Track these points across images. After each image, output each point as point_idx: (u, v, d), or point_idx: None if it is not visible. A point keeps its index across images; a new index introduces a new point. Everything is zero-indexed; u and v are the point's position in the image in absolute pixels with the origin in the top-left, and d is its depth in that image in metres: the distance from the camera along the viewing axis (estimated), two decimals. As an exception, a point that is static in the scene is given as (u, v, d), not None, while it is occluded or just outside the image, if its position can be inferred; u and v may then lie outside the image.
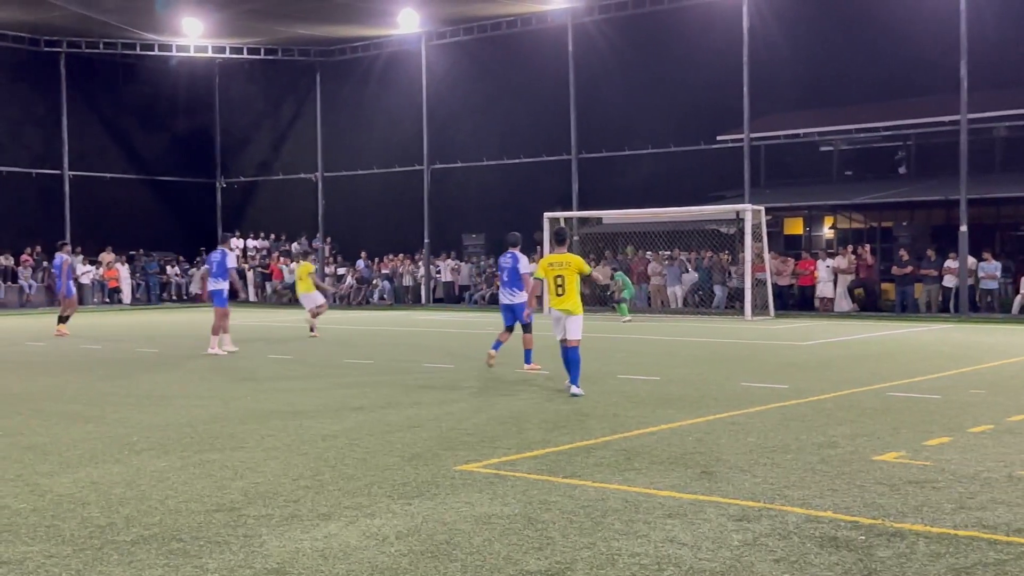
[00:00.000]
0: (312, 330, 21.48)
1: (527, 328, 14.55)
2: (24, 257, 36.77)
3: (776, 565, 5.28)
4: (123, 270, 38.87)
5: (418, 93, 36.88)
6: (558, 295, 12.06)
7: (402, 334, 22.13)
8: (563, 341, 12.05)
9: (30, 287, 36.32)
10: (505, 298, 14.88)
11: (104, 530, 6.02)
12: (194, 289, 40.85)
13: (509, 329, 14.92)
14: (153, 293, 39.51)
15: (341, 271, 38.41)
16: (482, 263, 36.25)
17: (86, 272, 37.65)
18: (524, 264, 14.92)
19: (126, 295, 38.57)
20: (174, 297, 40.33)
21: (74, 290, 23.45)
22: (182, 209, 42.41)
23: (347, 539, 5.81)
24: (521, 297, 14.63)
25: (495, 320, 27.29)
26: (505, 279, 14.84)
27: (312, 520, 6.24)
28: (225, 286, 18.10)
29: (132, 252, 39.90)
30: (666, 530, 5.95)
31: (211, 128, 42.51)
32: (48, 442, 9.01)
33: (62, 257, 22.81)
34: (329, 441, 8.94)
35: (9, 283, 35.95)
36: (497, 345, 14.83)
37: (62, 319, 22.47)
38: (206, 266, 19.09)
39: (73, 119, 37.93)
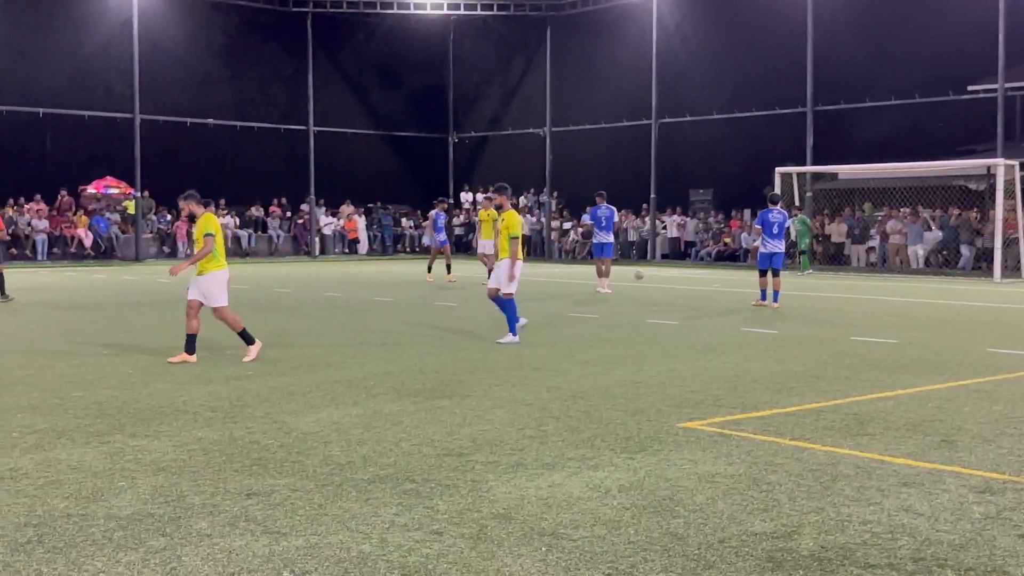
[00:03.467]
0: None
1: (777, 272, 17.47)
2: (273, 208, 39.13)
3: (1021, 541, 4.96)
4: (361, 222, 40.76)
5: (648, 46, 36.43)
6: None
7: (626, 289, 22.10)
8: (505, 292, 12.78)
9: (278, 237, 38.67)
10: (774, 247, 17.53)
11: (344, 468, 6.36)
12: (426, 241, 42.32)
13: (763, 273, 17.62)
14: (388, 244, 41.20)
15: (567, 226, 38.73)
16: (710, 219, 35.63)
17: (328, 224, 39.71)
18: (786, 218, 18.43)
19: (363, 246, 40.46)
20: (407, 248, 41.91)
21: (447, 240, 25.58)
22: (416, 163, 43.81)
23: (570, 489, 5.89)
24: (783, 247, 17.85)
25: (722, 276, 26.87)
26: (776, 232, 17.58)
27: (536, 469, 6.36)
28: (611, 238, 21.98)
29: (369, 205, 41.69)
30: (901, 499, 5.70)
31: (445, 84, 43.57)
32: (293, 383, 9.59)
33: (440, 214, 25.36)
34: (553, 393, 9.07)
35: (259, 233, 38.35)
36: (764, 295, 17.59)
37: (431, 268, 24.35)
38: (590, 220, 22.01)
39: (318, 77, 39.79)
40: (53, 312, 16.88)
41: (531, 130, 41.01)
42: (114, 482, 5.98)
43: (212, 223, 11.10)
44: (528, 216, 39.80)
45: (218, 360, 11.06)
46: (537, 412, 8.19)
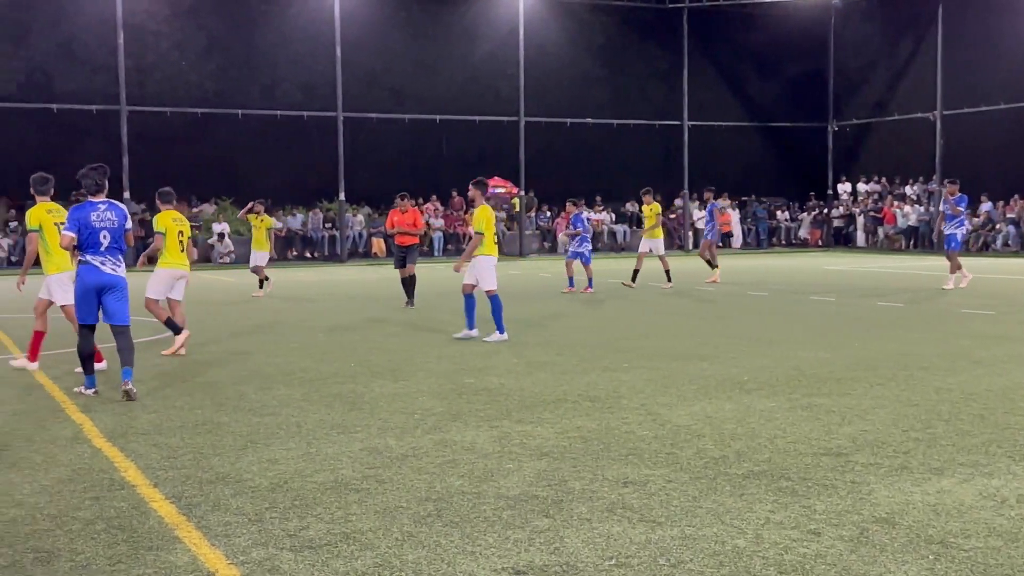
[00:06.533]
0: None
1: None
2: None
3: None
4: (734, 215, 40.36)
5: (1056, 15, 33.05)
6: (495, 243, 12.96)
7: (1029, 284, 20.23)
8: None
9: (653, 231, 39.19)
10: None
11: (717, 462, 6.38)
12: (803, 234, 41.13)
13: None
14: (762, 238, 40.49)
15: (960, 215, 36.06)
16: None
17: (701, 218, 39.71)
18: None
19: (737, 239, 40.05)
20: (783, 242, 40.94)
21: (710, 236, 23.82)
22: (791, 154, 42.64)
23: (961, 497, 5.53)
24: None
25: None
26: None
27: (923, 473, 6.02)
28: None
29: (744, 198, 41.17)
30: None
31: (824, 71, 42.04)
32: (666, 376, 9.72)
33: (715, 204, 24.08)
34: (943, 394, 8.53)
35: (634, 228, 39.07)
36: None
37: (713, 265, 22.69)
38: (964, 208, 20.17)
39: (693, 71, 39.92)
40: (444, 303, 18.20)
41: (919, 114, 38.57)
42: (502, 464, 6.39)
43: (161, 222, 11.75)
44: (916, 207, 37.50)
45: (594, 352, 11.45)
46: (924, 413, 7.74)
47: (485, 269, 12.55)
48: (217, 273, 28.42)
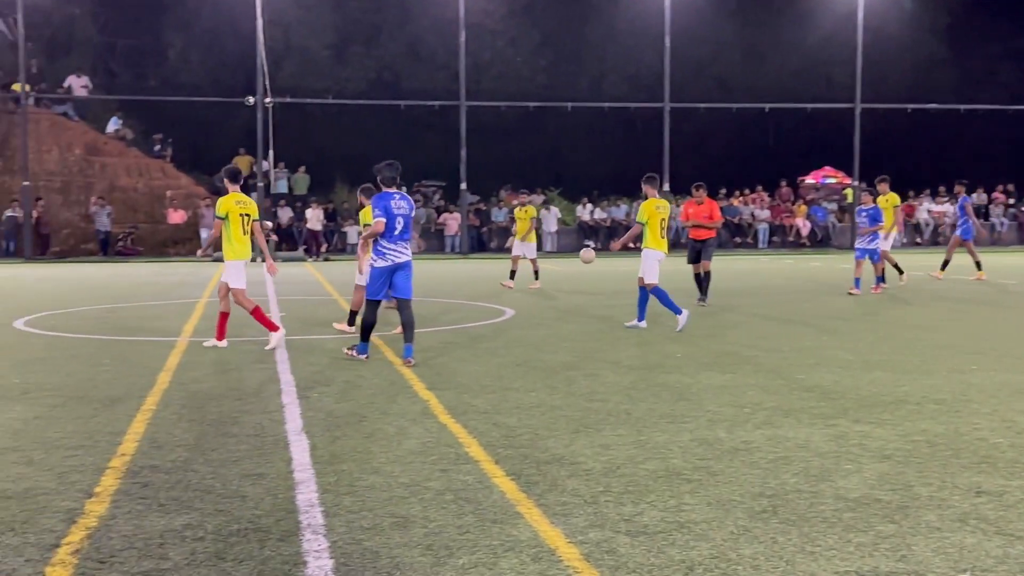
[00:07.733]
0: None
1: None
2: (996, 194, 36.85)
3: None
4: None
5: None
6: (662, 238, 13.06)
7: None
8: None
9: (1002, 225, 36.33)
10: None
11: (1086, 477, 5.81)
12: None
13: None
14: None
15: None
16: None
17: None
18: None
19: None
20: None
21: (972, 233, 21.22)
22: None
23: None
24: None
25: None
26: None
27: None
28: None
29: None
30: None
31: None
32: (1021, 380, 8.97)
33: (966, 199, 21.83)
34: None
35: (982, 220, 36.39)
36: None
37: (978, 263, 20.90)
38: None
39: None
40: (758, 299, 17.76)
41: None
42: (840, 464, 6.14)
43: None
44: None
45: (934, 352, 10.77)
46: None
47: (646, 260, 13.02)
48: (544, 261, 29.36)
